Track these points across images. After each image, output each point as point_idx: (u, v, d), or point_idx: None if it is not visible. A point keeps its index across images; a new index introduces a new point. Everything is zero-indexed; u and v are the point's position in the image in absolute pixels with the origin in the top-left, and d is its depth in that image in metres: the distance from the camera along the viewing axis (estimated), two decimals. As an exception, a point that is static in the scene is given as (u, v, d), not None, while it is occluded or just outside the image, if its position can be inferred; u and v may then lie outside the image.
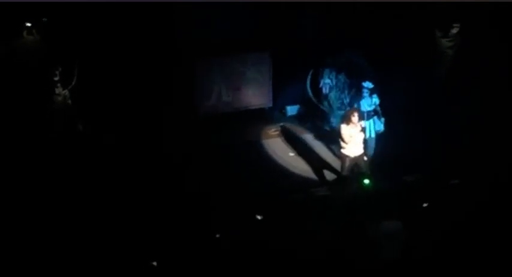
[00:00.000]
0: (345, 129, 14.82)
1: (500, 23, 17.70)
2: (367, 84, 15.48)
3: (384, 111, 15.86)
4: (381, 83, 16.86)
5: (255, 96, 17.86)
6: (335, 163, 15.96)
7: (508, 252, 13.05)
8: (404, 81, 17.75)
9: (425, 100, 17.62)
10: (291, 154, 16.73)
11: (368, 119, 15.41)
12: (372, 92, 15.45)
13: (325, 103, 17.46)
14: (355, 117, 14.72)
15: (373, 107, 15.50)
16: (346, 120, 14.79)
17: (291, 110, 18.13)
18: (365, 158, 15.27)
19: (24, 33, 18.16)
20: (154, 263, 13.22)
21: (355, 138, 14.85)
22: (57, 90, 16.54)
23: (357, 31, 17.82)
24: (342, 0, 17.53)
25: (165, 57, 17.36)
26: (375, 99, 15.54)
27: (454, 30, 18.07)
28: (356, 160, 15.12)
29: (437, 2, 17.74)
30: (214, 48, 17.27)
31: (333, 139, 16.00)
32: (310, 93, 17.58)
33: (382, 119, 15.63)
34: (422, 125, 17.03)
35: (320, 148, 16.74)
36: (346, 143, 14.92)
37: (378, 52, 17.72)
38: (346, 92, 17.19)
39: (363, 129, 14.93)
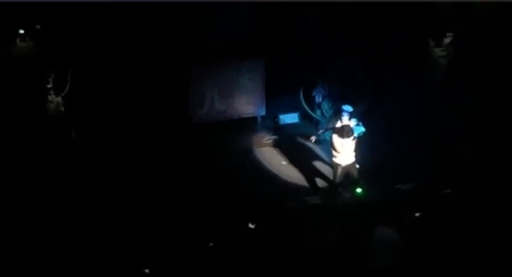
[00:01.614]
0: (336, 138, 14.85)
1: (498, 24, 17.80)
2: (347, 108, 15.21)
3: (379, 118, 15.94)
4: (376, 91, 16.99)
5: (248, 104, 17.83)
6: (327, 171, 15.94)
7: (503, 260, 13.07)
8: (399, 89, 17.83)
9: (420, 109, 17.65)
10: (284, 162, 16.71)
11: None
12: (351, 115, 15.27)
13: (318, 112, 17.45)
14: (348, 134, 14.74)
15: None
16: (338, 133, 14.81)
17: (284, 118, 18.08)
18: (357, 166, 15.26)
19: (18, 40, 18.19)
20: (147, 270, 13.20)
21: (346, 147, 14.86)
22: (50, 98, 16.50)
23: (354, 37, 17.92)
24: (340, 1, 17.65)
25: (159, 65, 17.38)
26: (354, 123, 15.35)
27: (447, 40, 18.13)
28: (348, 169, 15.13)
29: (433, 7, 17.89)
30: (208, 56, 17.28)
31: (325, 147, 16.01)
32: (303, 102, 17.57)
33: (360, 123, 15.52)
34: (416, 134, 17.03)
35: (312, 157, 16.71)
36: (337, 152, 14.95)
37: (373, 61, 17.81)
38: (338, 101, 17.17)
39: (354, 138, 14.93)
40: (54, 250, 13.59)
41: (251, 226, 14.24)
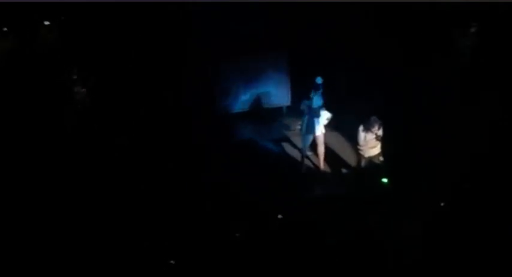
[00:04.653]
0: (362, 132, 15.07)
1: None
2: (317, 79, 15.24)
3: (402, 111, 16.00)
4: (394, 83, 16.99)
5: (273, 95, 17.89)
6: (352, 162, 15.98)
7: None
8: (421, 81, 17.79)
9: (442, 101, 17.58)
10: (309, 153, 16.73)
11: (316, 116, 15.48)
12: (316, 88, 15.26)
13: None
14: (374, 128, 14.90)
15: (319, 104, 15.44)
16: (367, 126, 14.95)
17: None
18: (381, 158, 15.32)
19: (43, 31, 18.29)
20: (172, 261, 13.29)
21: (369, 142, 15.09)
22: (75, 89, 16.59)
23: (371, 26, 17.95)
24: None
25: (184, 56, 17.44)
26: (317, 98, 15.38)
27: (472, 30, 18.05)
28: (372, 159, 15.32)
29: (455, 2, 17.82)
30: (233, 46, 17.34)
31: (351, 138, 16.02)
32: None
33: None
34: (440, 125, 16.97)
35: (338, 147, 16.72)
36: (360, 145, 15.18)
37: (392, 52, 17.81)
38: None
39: (378, 137, 15.03)
40: (70, 245, 13.75)
41: (279, 216, 14.29)
